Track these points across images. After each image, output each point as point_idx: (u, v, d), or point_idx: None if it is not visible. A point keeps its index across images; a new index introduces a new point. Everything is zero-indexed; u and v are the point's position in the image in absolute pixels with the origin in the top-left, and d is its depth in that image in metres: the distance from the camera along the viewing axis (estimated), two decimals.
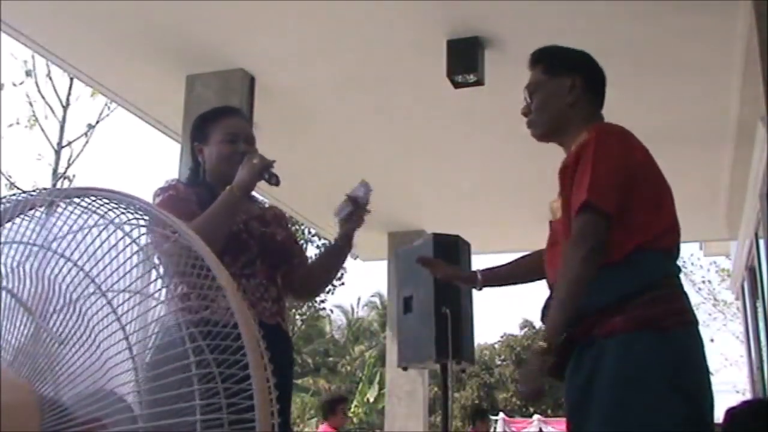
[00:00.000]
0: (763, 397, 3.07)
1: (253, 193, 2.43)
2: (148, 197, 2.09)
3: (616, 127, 2.01)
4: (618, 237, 1.88)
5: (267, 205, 2.54)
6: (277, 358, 2.22)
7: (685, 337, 1.87)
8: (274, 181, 2.25)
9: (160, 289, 1.19)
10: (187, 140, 5.05)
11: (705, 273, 17.46)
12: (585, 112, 2.09)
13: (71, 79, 14.06)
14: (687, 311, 1.91)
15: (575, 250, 1.86)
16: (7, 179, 14.63)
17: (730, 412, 2.88)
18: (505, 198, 7.34)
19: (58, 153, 15.14)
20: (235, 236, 2.23)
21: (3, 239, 1.25)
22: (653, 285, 1.88)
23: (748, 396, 8.41)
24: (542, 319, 2.04)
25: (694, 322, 1.92)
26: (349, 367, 23.99)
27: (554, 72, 2.12)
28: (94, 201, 1.24)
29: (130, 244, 1.19)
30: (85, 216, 1.23)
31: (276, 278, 2.32)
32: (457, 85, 4.71)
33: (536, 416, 19.51)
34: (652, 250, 1.90)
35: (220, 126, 2.39)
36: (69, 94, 15.06)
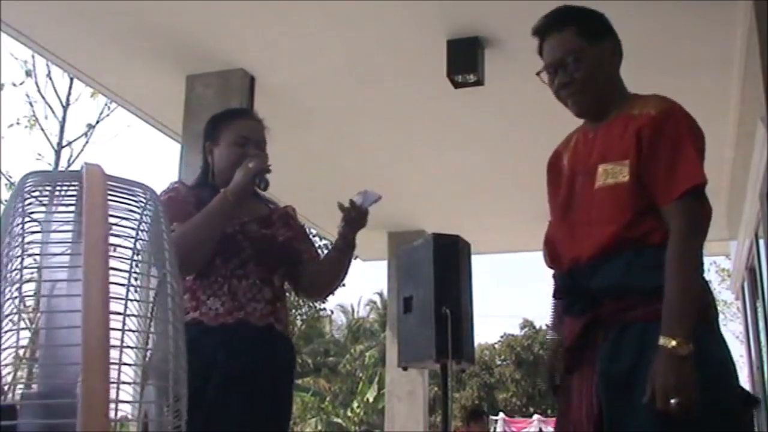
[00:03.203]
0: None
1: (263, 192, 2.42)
2: None
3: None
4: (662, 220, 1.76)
5: (278, 206, 2.50)
6: (267, 359, 2.21)
7: (720, 331, 1.81)
8: (263, 186, 2.25)
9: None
10: (188, 140, 5.10)
11: (705, 273, 17.43)
12: (620, 78, 1.97)
13: (71, 79, 14.06)
14: (716, 306, 1.84)
15: (695, 238, 1.72)
16: (8, 179, 14.62)
17: None
18: (505, 198, 7.34)
19: (58, 153, 15.13)
20: (229, 237, 2.22)
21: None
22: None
23: None
24: (555, 296, 1.92)
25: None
26: (349, 367, 23.99)
27: (592, 37, 1.92)
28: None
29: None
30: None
31: (272, 279, 2.30)
32: (457, 85, 4.71)
33: (536, 416, 19.50)
34: None
35: (232, 128, 2.37)
36: (69, 94, 15.06)
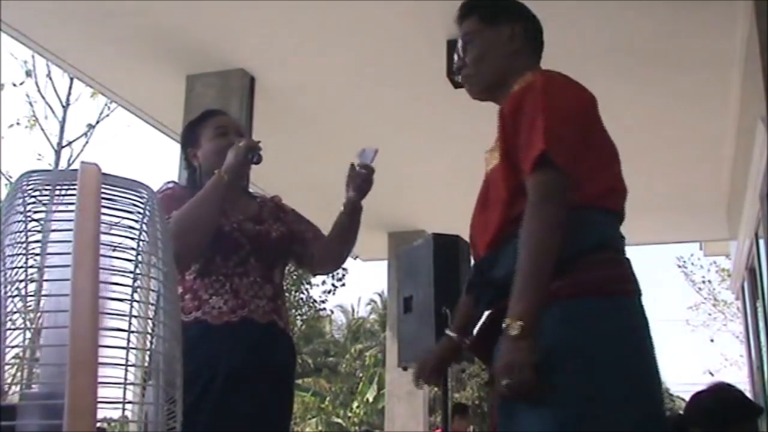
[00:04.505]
0: (727, 382, 3.04)
1: (252, 189, 2.43)
2: None
3: (562, 75, 1.79)
4: None
5: (265, 198, 2.51)
6: (271, 356, 2.23)
7: (630, 306, 1.65)
8: (255, 159, 2.26)
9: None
10: None
11: (705, 273, 17.45)
12: (526, 64, 1.87)
13: (71, 79, 14.08)
14: (631, 280, 1.68)
15: (539, 213, 1.59)
16: (7, 179, 14.62)
17: (696, 395, 2.89)
18: None
19: (58, 153, 15.14)
20: (227, 236, 2.24)
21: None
22: (596, 247, 1.64)
23: None
24: (468, 291, 1.86)
25: (638, 293, 1.69)
26: (349, 367, 23.99)
27: (492, 21, 1.89)
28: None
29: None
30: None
31: (272, 276, 2.31)
32: (457, 85, 4.70)
33: None
34: (595, 208, 1.68)
35: (209, 125, 2.42)
36: (69, 94, 15.09)
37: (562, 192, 1.60)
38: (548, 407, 1.52)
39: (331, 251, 2.44)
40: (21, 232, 1.15)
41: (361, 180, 2.33)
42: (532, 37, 1.92)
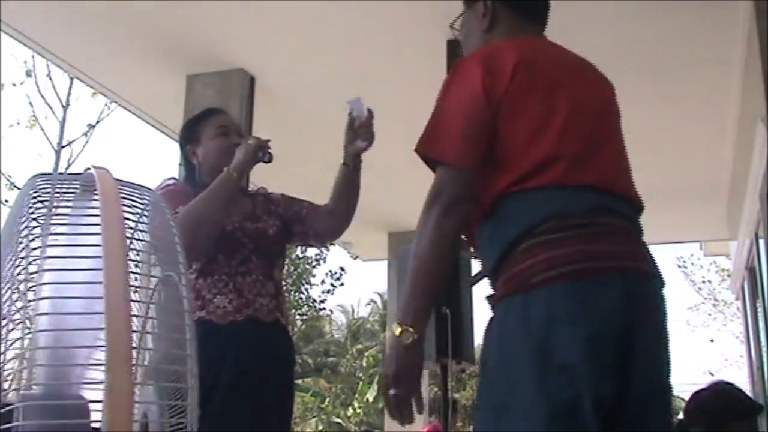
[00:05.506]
0: (726, 381, 3.02)
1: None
2: None
3: (482, 51, 1.63)
4: (483, 182, 1.51)
5: (255, 193, 2.50)
6: (275, 355, 2.25)
7: (551, 297, 1.40)
8: (267, 158, 2.27)
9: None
10: None
11: (705, 273, 17.45)
12: (505, 33, 1.70)
13: (71, 79, 14.06)
14: (574, 260, 1.42)
15: (422, 217, 1.48)
16: (7, 179, 14.62)
17: (695, 394, 2.90)
18: None
19: (58, 153, 15.13)
20: (229, 235, 2.25)
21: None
22: (529, 233, 1.44)
23: None
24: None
25: (588, 272, 1.42)
26: (348, 367, 23.98)
27: (471, 0, 1.78)
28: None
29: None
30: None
31: (273, 274, 2.32)
32: None
33: None
34: (516, 194, 1.48)
35: (210, 124, 2.43)
36: (69, 94, 15.06)
37: (451, 190, 1.48)
38: (475, 419, 1.51)
39: (335, 213, 2.43)
40: (24, 235, 1.15)
41: (368, 127, 2.43)
42: (515, 6, 1.74)
